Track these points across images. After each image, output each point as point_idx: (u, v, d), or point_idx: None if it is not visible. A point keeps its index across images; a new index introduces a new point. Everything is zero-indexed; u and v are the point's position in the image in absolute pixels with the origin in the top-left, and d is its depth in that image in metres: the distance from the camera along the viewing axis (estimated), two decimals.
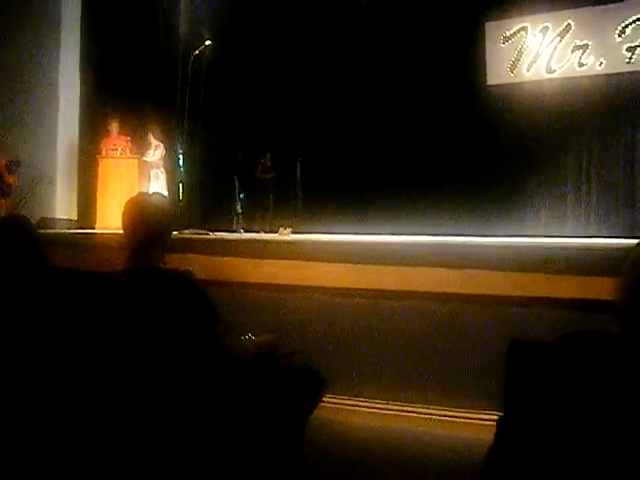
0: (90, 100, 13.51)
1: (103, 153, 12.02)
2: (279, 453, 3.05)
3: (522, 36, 11.94)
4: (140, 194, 3.43)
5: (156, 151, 11.81)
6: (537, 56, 11.83)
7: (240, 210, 12.21)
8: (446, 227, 10.73)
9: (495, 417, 1.95)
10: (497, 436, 1.92)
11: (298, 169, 12.08)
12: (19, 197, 12.16)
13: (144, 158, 11.77)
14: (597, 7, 11.27)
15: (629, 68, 11.04)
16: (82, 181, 13.32)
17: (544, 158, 11.64)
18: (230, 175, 12.51)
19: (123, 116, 12.29)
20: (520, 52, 11.93)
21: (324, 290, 5.41)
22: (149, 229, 2.96)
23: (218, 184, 12.87)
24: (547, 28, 11.72)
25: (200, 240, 8.12)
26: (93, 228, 11.55)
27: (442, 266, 5.30)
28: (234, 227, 11.74)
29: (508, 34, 12.00)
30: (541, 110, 11.59)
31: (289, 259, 5.94)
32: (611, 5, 11.12)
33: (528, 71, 11.93)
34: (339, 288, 5.39)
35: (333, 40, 12.37)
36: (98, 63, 13.36)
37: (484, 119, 11.80)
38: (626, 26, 11.00)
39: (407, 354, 5.02)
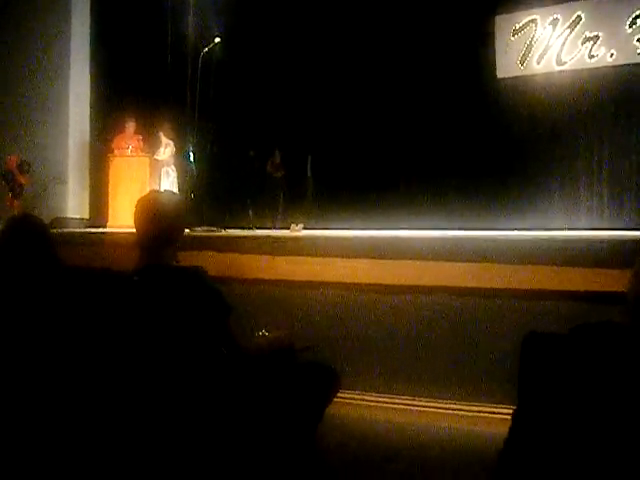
0: (100, 99, 13.56)
1: (116, 152, 12.06)
2: (294, 448, 3.05)
3: (532, 29, 11.88)
4: (151, 192, 3.44)
5: (167, 149, 11.84)
6: (547, 48, 11.77)
7: (251, 211, 12.25)
8: (459, 221, 10.70)
9: (510, 411, 1.95)
10: (512, 429, 1.91)
11: (309, 165, 12.09)
12: (31, 197, 12.21)
13: (155, 156, 11.79)
14: None
15: None
16: (94, 180, 13.35)
17: (556, 150, 11.59)
18: (241, 172, 12.53)
19: (133, 114, 12.31)
20: (530, 45, 11.87)
21: (337, 285, 5.41)
22: (161, 227, 2.96)
23: (229, 181, 12.88)
24: (557, 20, 11.66)
25: (212, 237, 8.13)
26: (105, 227, 11.57)
27: (456, 260, 5.29)
28: (246, 224, 11.74)
29: (518, 27, 11.93)
30: (552, 103, 11.54)
31: (302, 255, 5.94)
32: None
33: (538, 64, 11.87)
34: (352, 283, 5.40)
35: (343, 36, 12.34)
36: (108, 61, 13.40)
37: (494, 112, 11.76)
38: (637, 17, 10.93)
39: (421, 349, 5.02)
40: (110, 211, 11.69)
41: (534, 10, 11.78)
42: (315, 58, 12.45)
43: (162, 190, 9.10)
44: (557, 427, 1.79)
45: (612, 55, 11.17)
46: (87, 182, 13.53)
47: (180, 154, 11.77)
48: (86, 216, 13.37)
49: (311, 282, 5.55)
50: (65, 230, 11.05)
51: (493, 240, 6.27)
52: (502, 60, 12.02)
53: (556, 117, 11.51)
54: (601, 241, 6.29)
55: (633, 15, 10.92)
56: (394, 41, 12.21)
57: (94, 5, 13.59)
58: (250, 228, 11.34)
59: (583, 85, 11.40)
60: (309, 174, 12.14)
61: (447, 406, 4.67)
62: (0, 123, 12.97)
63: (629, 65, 11.05)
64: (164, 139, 11.88)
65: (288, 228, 10.71)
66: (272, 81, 12.62)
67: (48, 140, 12.85)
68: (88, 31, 13.53)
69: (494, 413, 4.37)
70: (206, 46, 11.27)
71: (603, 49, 11.24)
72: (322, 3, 12.42)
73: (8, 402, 2.67)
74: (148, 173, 11.73)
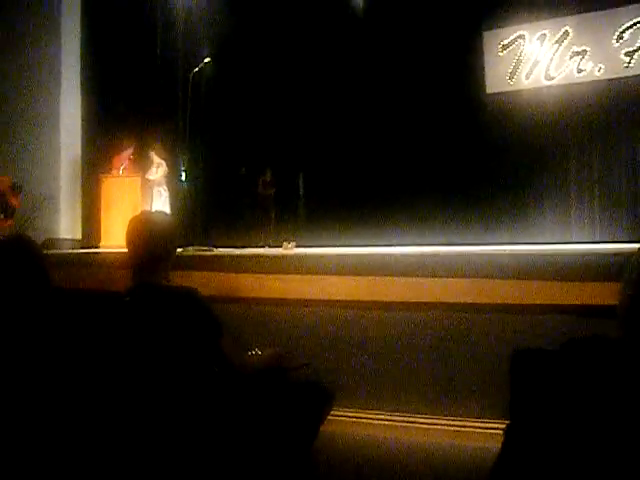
0: (92, 120, 13.56)
1: (113, 172, 12.09)
2: (288, 467, 3.05)
3: (520, 44, 11.98)
4: (143, 212, 3.45)
5: (159, 169, 11.84)
6: (535, 63, 11.87)
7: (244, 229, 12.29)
8: (449, 237, 10.75)
9: (502, 426, 1.96)
10: (504, 444, 1.92)
11: (300, 183, 12.12)
12: (23, 218, 12.19)
13: (147, 176, 11.79)
14: (594, 13, 11.33)
15: (628, 72, 11.08)
16: (85, 200, 13.34)
17: (546, 165, 11.66)
18: (232, 191, 12.56)
19: (125, 134, 12.34)
20: (519, 60, 11.97)
21: (329, 303, 5.40)
22: (153, 247, 2.97)
23: (221, 200, 12.90)
24: (545, 35, 11.77)
25: (203, 257, 8.12)
26: (97, 247, 11.56)
27: (447, 276, 5.29)
28: (240, 243, 11.75)
29: (506, 42, 12.04)
30: (541, 117, 11.62)
31: (294, 273, 5.93)
32: (608, 10, 11.18)
33: (527, 79, 11.95)
34: (344, 301, 5.39)
35: (332, 52, 12.43)
36: (99, 81, 13.42)
37: (484, 128, 11.84)
38: (624, 31, 11.04)
39: (414, 365, 5.01)
40: (102, 231, 11.69)
41: (522, 25, 11.89)
42: (306, 76, 12.52)
43: (154, 210, 9.10)
44: (551, 442, 1.80)
45: (600, 69, 11.27)
46: (79, 202, 13.51)
47: (172, 174, 11.78)
48: (78, 237, 13.35)
49: (302, 300, 5.55)
50: (57, 251, 11.03)
51: (484, 255, 6.28)
52: (491, 75, 12.11)
53: (545, 131, 11.58)
54: (593, 254, 6.31)
55: (620, 29, 11.02)
56: (384, 59, 12.29)
57: (85, 23, 13.61)
58: (262, 246, 11.38)
59: (572, 99, 11.48)
60: (300, 192, 12.18)
61: (439, 422, 4.66)
62: None
63: (617, 78, 11.14)
64: (156, 159, 11.89)
65: (280, 246, 10.72)
66: (263, 100, 12.68)
67: (39, 160, 12.83)
68: (79, 50, 13.54)
69: (487, 428, 4.37)
70: (197, 65, 11.29)
71: (591, 63, 11.34)
72: (312, 21, 12.48)
73: None
74: (140, 193, 11.73)
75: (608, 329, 1.88)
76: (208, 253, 8.84)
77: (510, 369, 1.96)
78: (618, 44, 11.10)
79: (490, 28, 12.10)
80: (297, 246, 10.63)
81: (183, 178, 11.35)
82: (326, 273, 5.79)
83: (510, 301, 4.79)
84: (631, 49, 11.01)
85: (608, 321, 2.00)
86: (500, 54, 12.08)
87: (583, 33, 11.44)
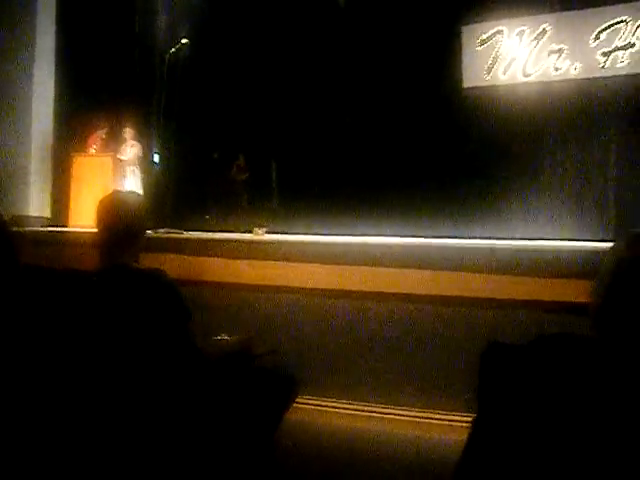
0: (65, 97, 13.38)
1: (87, 150, 11.98)
2: (251, 453, 3.04)
3: (498, 39, 11.99)
4: (114, 192, 3.42)
5: (132, 149, 11.76)
6: (513, 59, 11.89)
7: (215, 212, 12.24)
8: (422, 229, 10.73)
9: (465, 419, 1.96)
10: (470, 437, 1.92)
11: (273, 169, 12.10)
12: None
13: (119, 156, 11.68)
14: (573, 12, 11.35)
15: (603, 73, 11.13)
16: (56, 178, 13.21)
17: (519, 160, 11.69)
18: (205, 175, 12.52)
19: (98, 113, 12.24)
20: (496, 55, 11.99)
21: (298, 290, 5.41)
22: (123, 228, 2.94)
23: (193, 183, 12.85)
24: (523, 32, 11.78)
25: (174, 239, 8.08)
26: (67, 226, 11.45)
27: (419, 268, 5.31)
28: (208, 226, 11.70)
29: (484, 37, 12.04)
30: (517, 113, 11.64)
31: (264, 259, 5.93)
32: (587, 10, 11.20)
33: (504, 74, 11.98)
34: (314, 289, 5.40)
35: (309, 42, 12.38)
36: (74, 60, 13.22)
37: (460, 121, 11.85)
38: (601, 31, 11.09)
39: (381, 355, 5.02)
40: (71, 210, 11.57)
41: (501, 21, 11.89)
42: (282, 64, 12.47)
43: (125, 190, 9.04)
44: (516, 435, 1.80)
45: (576, 68, 11.31)
46: (49, 180, 13.36)
47: (145, 155, 11.70)
48: (47, 215, 13.21)
49: (272, 286, 5.55)
50: (26, 229, 10.92)
51: (456, 248, 6.30)
52: (469, 70, 12.12)
53: (520, 127, 11.61)
54: (565, 251, 6.35)
55: (597, 29, 11.07)
56: (362, 47, 12.26)
57: (60, 1, 13.45)
58: (233, 231, 11.32)
59: (548, 96, 11.52)
60: (273, 178, 12.15)
61: (405, 413, 4.68)
62: None
63: (592, 78, 11.20)
64: (129, 139, 11.81)
65: (251, 231, 10.68)
66: (238, 85, 12.61)
67: (10, 137, 12.67)
68: (54, 28, 13.34)
69: (454, 421, 4.39)
70: (173, 46, 11.20)
71: (567, 62, 11.38)
72: (290, 10, 12.43)
73: None
74: (112, 173, 11.62)
75: (577, 326, 1.88)
76: (179, 236, 8.78)
77: (480, 363, 1.96)
78: (595, 44, 11.14)
79: (469, 22, 12.10)
80: (268, 232, 10.59)
81: (156, 159, 11.28)
82: (296, 260, 5.80)
83: (481, 294, 4.81)
84: (607, 49, 11.06)
85: (578, 318, 2.01)
86: (478, 49, 12.09)
87: (561, 31, 11.47)
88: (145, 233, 3.15)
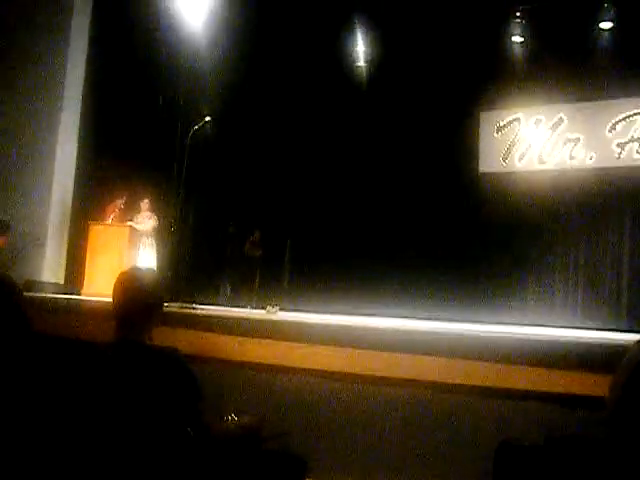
0: (86, 165, 13.54)
1: (103, 219, 12.05)
2: None
3: (515, 127, 12.16)
4: (133, 268, 3.44)
5: (149, 220, 11.82)
6: (529, 147, 12.04)
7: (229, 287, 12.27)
8: (436, 312, 10.74)
9: None
10: None
11: (288, 247, 12.14)
12: (7, 257, 12.08)
13: (135, 226, 11.74)
14: (589, 102, 11.57)
15: (619, 163, 11.24)
16: (71, 245, 13.26)
17: (533, 248, 11.73)
18: (220, 248, 12.57)
19: (118, 182, 12.37)
20: (513, 142, 12.14)
21: (310, 372, 5.37)
22: (139, 305, 2.96)
23: (208, 257, 12.90)
24: (540, 120, 11.95)
25: (186, 314, 8.07)
26: (79, 293, 11.47)
27: (432, 354, 5.27)
28: (222, 302, 11.73)
29: (502, 124, 12.22)
30: (531, 200, 11.72)
31: (276, 339, 5.90)
32: (603, 102, 11.39)
33: (520, 161, 12.10)
34: (325, 371, 5.35)
35: (328, 122, 12.60)
36: (97, 130, 13.43)
37: (475, 206, 11.93)
38: (617, 122, 11.23)
39: (391, 442, 4.96)
40: (85, 278, 11.59)
41: (518, 109, 12.09)
42: (301, 142, 12.63)
43: (143, 267, 9.07)
44: None
45: (592, 157, 11.44)
46: (65, 247, 13.42)
47: (162, 226, 11.76)
48: (61, 281, 13.24)
49: (281, 367, 5.51)
50: (38, 294, 10.94)
51: (471, 337, 6.28)
52: (485, 155, 12.26)
53: (534, 214, 11.67)
54: (582, 343, 6.31)
55: (613, 121, 11.20)
56: (381, 128, 12.45)
57: (88, 73, 13.68)
58: (245, 307, 11.34)
59: (563, 185, 11.60)
60: (287, 256, 12.19)
61: None
62: None
63: (607, 168, 11.29)
64: (146, 210, 11.89)
65: (264, 308, 10.67)
66: (256, 162, 12.77)
67: (30, 202, 12.78)
68: (80, 97, 13.59)
69: None
70: (194, 121, 11.33)
71: (583, 151, 11.51)
72: (309, 90, 12.64)
73: None
74: (127, 243, 11.67)
75: (588, 419, 1.87)
76: (191, 311, 8.78)
77: (494, 463, 1.94)
78: (611, 134, 11.27)
79: (487, 109, 12.28)
80: (281, 310, 10.58)
81: (172, 231, 11.33)
82: (307, 341, 5.76)
83: (490, 384, 4.76)
84: (623, 140, 11.19)
85: (593, 412, 1.99)
86: (495, 135, 12.25)
87: (578, 121, 11.64)
88: (161, 310, 3.17)
